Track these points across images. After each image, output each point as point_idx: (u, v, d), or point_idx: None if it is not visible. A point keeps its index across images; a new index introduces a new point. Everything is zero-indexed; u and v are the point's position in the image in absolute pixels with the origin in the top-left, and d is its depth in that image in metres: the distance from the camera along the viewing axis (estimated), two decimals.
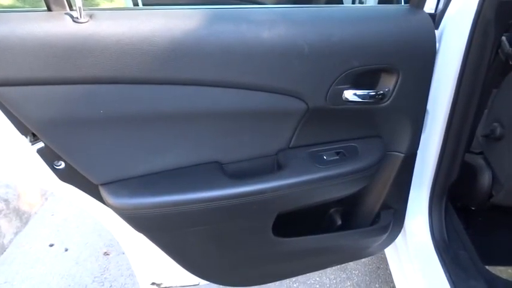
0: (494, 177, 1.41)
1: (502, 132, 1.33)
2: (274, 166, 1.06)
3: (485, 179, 1.43)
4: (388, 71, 1.01)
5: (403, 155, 1.16)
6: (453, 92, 1.12)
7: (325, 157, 1.05)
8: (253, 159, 1.04)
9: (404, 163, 1.16)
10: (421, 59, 1.01)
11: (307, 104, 0.98)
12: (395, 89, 1.02)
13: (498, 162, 1.38)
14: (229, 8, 0.92)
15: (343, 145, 1.08)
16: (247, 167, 1.04)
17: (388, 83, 1.02)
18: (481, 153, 1.47)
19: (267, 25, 0.89)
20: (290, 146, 1.06)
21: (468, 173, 1.46)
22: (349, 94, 1.00)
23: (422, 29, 1.00)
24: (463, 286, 1.28)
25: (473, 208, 1.62)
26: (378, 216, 1.25)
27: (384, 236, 1.24)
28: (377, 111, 1.06)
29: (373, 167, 1.07)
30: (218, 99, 0.92)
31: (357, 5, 2.39)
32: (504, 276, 1.54)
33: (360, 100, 1.01)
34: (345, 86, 0.99)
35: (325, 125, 1.06)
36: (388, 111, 1.06)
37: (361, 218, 1.27)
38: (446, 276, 1.32)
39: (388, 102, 1.04)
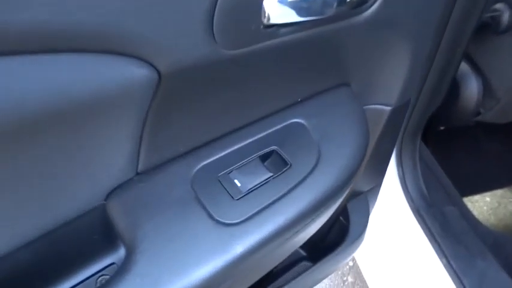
0: (486, 89, 0.92)
1: (510, 20, 0.79)
2: (108, 234, 0.41)
3: (473, 91, 0.93)
4: None
5: (389, 108, 0.57)
6: None
7: (238, 183, 0.42)
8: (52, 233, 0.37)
9: (390, 120, 0.59)
10: None
11: (157, 69, 0.29)
12: None
13: (498, 68, 0.87)
14: None
15: (270, 131, 0.45)
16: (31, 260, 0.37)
17: None
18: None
19: None
20: (139, 170, 0.39)
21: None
22: (281, 8, 0.33)
23: None
24: (457, 257, 0.87)
25: (441, 128, 1.17)
26: (344, 212, 0.69)
27: (358, 241, 0.72)
28: (346, 35, 0.42)
29: (354, 173, 0.46)
30: None
31: None
32: (481, 205, 1.19)
33: (309, 19, 0.35)
34: None
35: (219, 94, 0.40)
36: (370, 31, 0.43)
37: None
38: (434, 247, 0.89)
39: (373, 9, 0.40)
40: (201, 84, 0.37)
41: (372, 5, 0.41)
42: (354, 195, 0.70)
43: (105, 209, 0.42)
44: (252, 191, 0.42)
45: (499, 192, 1.20)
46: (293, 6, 0.35)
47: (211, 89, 0.38)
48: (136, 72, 0.32)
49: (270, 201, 0.41)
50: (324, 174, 0.44)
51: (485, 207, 1.17)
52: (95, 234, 0.44)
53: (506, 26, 0.80)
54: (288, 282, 0.68)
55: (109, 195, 0.42)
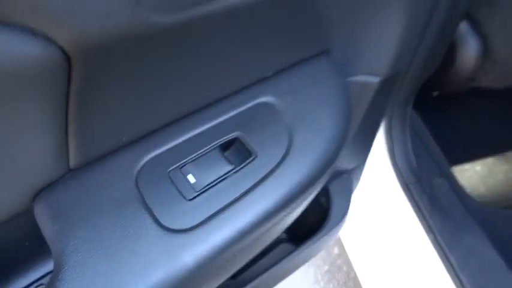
0: (485, 51, 0.83)
1: None
2: None
3: (471, 54, 0.85)
4: None
5: (378, 79, 0.49)
6: None
7: (192, 179, 0.34)
8: None
9: (378, 93, 0.52)
10: None
11: (61, 47, 0.21)
12: None
13: (500, 28, 0.79)
14: None
15: (232, 114, 0.37)
16: None
17: None
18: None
19: None
20: (71, 166, 0.32)
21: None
22: None
23: None
24: (444, 232, 0.84)
25: (434, 94, 1.11)
26: (325, 193, 0.63)
27: (340, 225, 0.67)
28: None
29: (333, 160, 0.39)
30: None
31: None
32: (472, 174, 1.14)
33: None
34: None
35: (161, 71, 0.31)
36: None
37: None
38: (421, 222, 0.86)
39: None
40: (131, 60, 0.28)
41: None
42: (337, 175, 0.64)
43: (33, 212, 0.34)
44: (208, 188, 0.35)
45: (489, 160, 1.16)
46: None
47: (149, 65, 0.30)
48: (36, 51, 0.23)
49: (229, 200, 0.34)
50: (296, 165, 0.36)
51: (475, 176, 1.12)
52: (25, 241, 0.37)
53: None
54: (270, 267, 0.63)
55: (36, 196, 0.34)
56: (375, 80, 0.50)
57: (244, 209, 0.34)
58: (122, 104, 0.33)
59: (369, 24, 0.42)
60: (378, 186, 0.91)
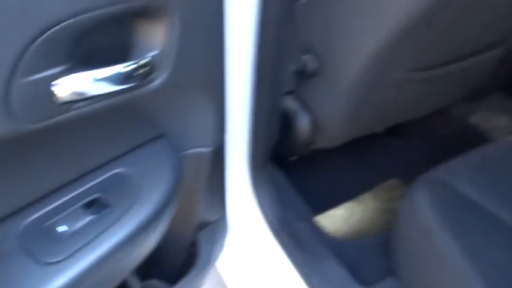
0: (314, 121, 1.12)
1: (317, 66, 1.00)
2: None
3: (304, 125, 1.13)
4: (150, 14, 0.48)
5: (210, 149, 0.70)
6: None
7: (65, 228, 0.50)
8: None
9: (214, 158, 0.72)
10: None
11: None
12: (175, 48, 0.51)
13: (318, 103, 1.07)
14: None
15: (94, 183, 0.55)
16: None
17: (155, 40, 0.50)
18: (291, 92, 1.15)
19: None
20: None
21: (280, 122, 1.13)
22: (71, 88, 0.44)
23: None
24: (306, 263, 1.02)
25: (292, 158, 1.36)
26: (193, 245, 0.80)
27: (207, 269, 0.82)
28: (144, 99, 0.55)
29: (171, 197, 0.58)
30: None
31: None
32: (336, 218, 1.38)
33: (100, 93, 0.47)
34: (54, 71, 0.42)
35: (35, 160, 0.49)
36: (166, 93, 0.56)
37: (171, 258, 0.80)
38: (290, 258, 1.04)
39: (164, 77, 0.53)
40: (12, 154, 0.45)
41: (159, 76, 0.54)
42: (202, 226, 0.82)
43: None
44: (76, 232, 0.51)
45: (349, 204, 1.42)
46: (84, 85, 0.46)
47: (25, 157, 0.47)
48: None
49: (91, 238, 0.51)
50: (139, 210, 0.55)
51: (339, 220, 1.36)
52: None
53: (313, 71, 1.01)
54: None
55: None
56: (207, 150, 0.72)
57: (101, 243, 0.51)
58: (9, 183, 0.48)
59: (188, 114, 0.64)
60: (254, 233, 1.09)
